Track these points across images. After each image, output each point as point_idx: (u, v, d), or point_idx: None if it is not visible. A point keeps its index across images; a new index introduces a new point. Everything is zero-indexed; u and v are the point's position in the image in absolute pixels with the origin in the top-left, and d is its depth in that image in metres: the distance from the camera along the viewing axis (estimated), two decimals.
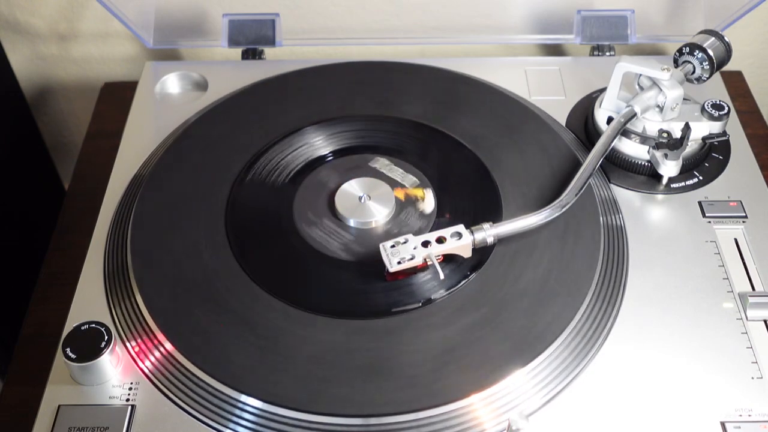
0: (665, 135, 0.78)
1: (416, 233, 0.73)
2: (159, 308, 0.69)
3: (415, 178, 0.76)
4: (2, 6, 1.08)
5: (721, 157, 0.83)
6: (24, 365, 0.77)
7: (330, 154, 0.83)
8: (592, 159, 0.76)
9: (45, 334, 0.78)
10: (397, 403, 0.63)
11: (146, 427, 0.64)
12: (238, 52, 0.98)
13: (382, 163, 0.75)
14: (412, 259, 0.70)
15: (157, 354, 0.67)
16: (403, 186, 0.77)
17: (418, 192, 0.76)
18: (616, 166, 0.82)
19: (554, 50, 1.10)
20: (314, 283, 0.72)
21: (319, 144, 0.84)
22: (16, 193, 1.13)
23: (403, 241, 0.71)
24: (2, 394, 0.75)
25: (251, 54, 0.98)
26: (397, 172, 0.73)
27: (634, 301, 0.71)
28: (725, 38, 0.80)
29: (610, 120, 0.82)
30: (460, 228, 0.71)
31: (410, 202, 0.77)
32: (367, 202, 0.78)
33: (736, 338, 0.69)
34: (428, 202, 0.71)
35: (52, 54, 1.13)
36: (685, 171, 0.80)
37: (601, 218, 0.75)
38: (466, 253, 0.72)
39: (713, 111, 0.79)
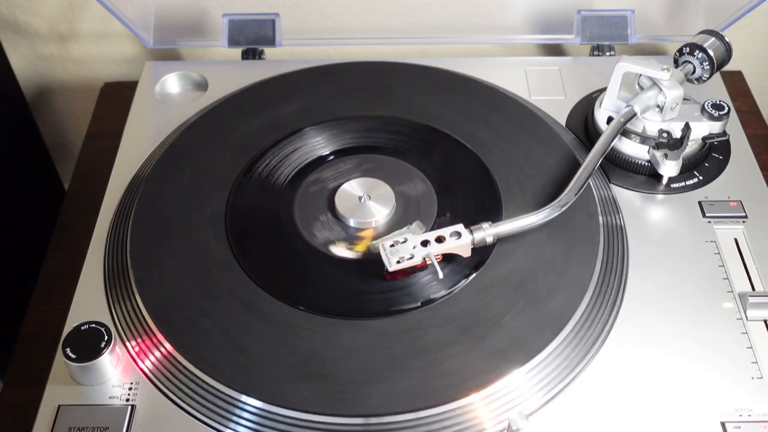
0: (665, 135, 0.78)
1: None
2: (159, 308, 0.69)
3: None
4: (2, 6, 1.08)
5: (721, 157, 0.83)
6: (24, 365, 0.77)
7: (330, 155, 0.84)
8: (591, 159, 0.76)
9: (45, 334, 0.78)
10: (397, 403, 0.63)
11: (146, 427, 0.64)
12: (238, 52, 0.98)
13: (418, 225, 0.75)
14: (411, 258, 0.70)
15: (157, 354, 0.67)
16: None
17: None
18: (616, 166, 0.82)
19: (554, 50, 1.10)
20: (314, 283, 0.72)
21: (319, 144, 0.84)
22: (16, 193, 1.13)
23: (403, 240, 0.71)
24: (2, 394, 0.75)
25: (251, 54, 0.98)
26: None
27: (634, 301, 0.71)
28: (725, 38, 0.80)
29: (610, 120, 0.82)
30: (460, 227, 0.71)
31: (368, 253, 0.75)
32: (367, 202, 0.78)
33: (736, 338, 0.69)
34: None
35: (52, 54, 1.13)
36: (685, 171, 0.80)
37: (600, 218, 0.75)
38: (466, 253, 0.71)
39: (713, 111, 0.79)
